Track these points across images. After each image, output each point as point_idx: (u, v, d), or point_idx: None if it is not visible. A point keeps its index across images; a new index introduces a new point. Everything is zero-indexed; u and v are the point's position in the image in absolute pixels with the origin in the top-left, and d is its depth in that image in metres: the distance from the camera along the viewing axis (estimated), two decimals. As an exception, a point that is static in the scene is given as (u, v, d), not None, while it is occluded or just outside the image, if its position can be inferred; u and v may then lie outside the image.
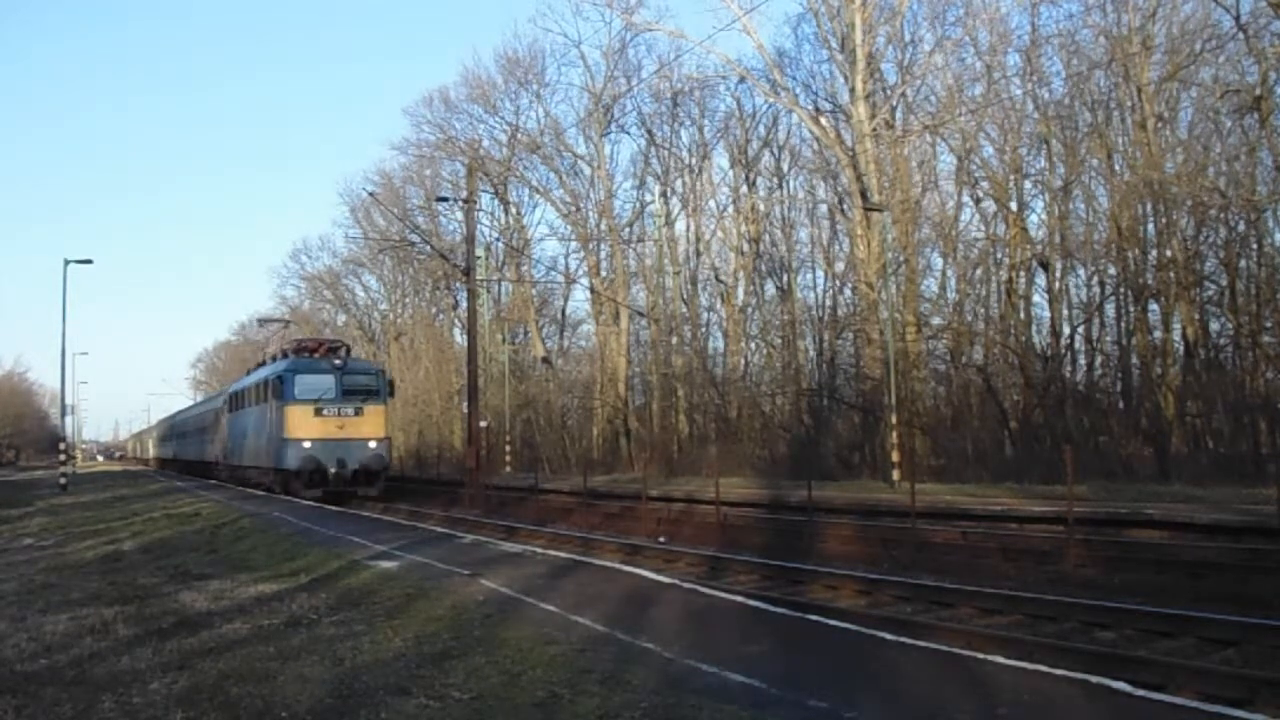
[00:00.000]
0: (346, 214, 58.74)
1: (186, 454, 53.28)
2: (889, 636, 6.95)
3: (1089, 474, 20.93)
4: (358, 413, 26.12)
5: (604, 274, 44.15)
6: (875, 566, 13.55)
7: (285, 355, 29.15)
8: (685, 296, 41.83)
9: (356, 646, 6.90)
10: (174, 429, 63.43)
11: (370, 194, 47.44)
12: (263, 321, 58.11)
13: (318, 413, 25.67)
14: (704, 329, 41.58)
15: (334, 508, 22.48)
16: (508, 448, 42.21)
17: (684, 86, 39.86)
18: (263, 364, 34.59)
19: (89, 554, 13.93)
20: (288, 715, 5.37)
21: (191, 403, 78.62)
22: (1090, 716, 5.11)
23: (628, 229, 43.45)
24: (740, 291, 40.38)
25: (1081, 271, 30.75)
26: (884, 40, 33.15)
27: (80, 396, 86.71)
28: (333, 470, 25.30)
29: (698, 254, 41.81)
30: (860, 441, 32.74)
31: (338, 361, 26.86)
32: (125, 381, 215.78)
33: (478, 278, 31.86)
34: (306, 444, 25.38)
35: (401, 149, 49.90)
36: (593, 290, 44.76)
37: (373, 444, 26.16)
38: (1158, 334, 27.80)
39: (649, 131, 42.49)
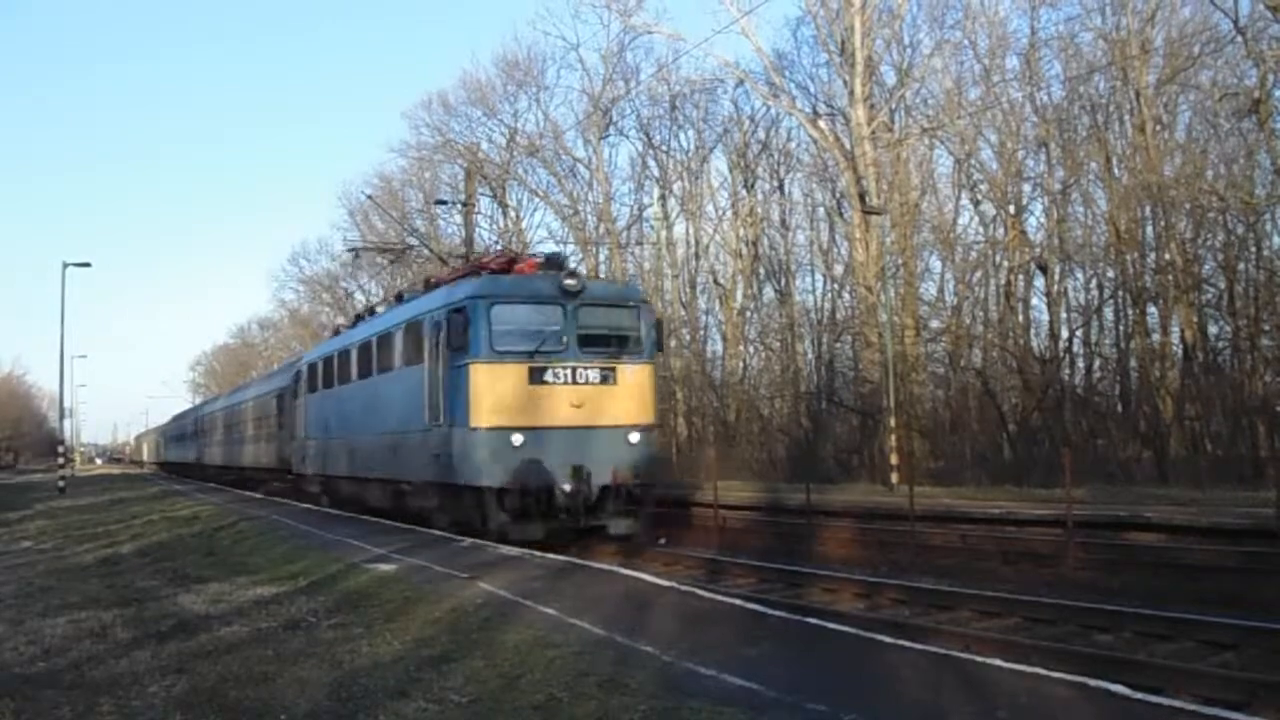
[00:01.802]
0: (345, 217, 58.69)
1: (210, 456, 42.86)
2: (888, 639, 6.95)
3: (1087, 477, 20.92)
4: (607, 378, 14.29)
5: (602, 277, 44.12)
6: (874, 569, 13.56)
7: (433, 285, 17.21)
8: (684, 299, 41.83)
9: (355, 649, 6.90)
10: (193, 427, 50.46)
11: (369, 197, 47.43)
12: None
13: (535, 377, 13.86)
14: (702, 332, 41.57)
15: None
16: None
17: (682, 89, 39.88)
18: (368, 313, 22.76)
19: (88, 557, 13.92)
20: (286, 718, 5.37)
21: (191, 404, 77.89)
22: (1089, 719, 5.11)
23: (626, 232, 43.44)
24: (739, 294, 40.38)
25: (1080, 274, 30.81)
26: (883, 43, 33.21)
27: (79, 399, 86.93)
28: (566, 487, 13.69)
29: (696, 257, 41.82)
30: (859, 444, 32.75)
31: (570, 282, 14.42)
32: (124, 385, 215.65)
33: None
34: (516, 438, 13.59)
35: (400, 152, 49.87)
36: (592, 293, 44.48)
37: (635, 437, 14.35)
38: (1156, 337, 27.83)
39: (647, 134, 42.51)
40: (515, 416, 13.68)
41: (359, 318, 22.53)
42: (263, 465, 30.19)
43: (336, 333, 23.95)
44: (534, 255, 17.39)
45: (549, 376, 13.87)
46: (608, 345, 14.50)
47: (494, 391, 13.77)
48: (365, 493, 19.00)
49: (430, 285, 17.43)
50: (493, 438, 13.59)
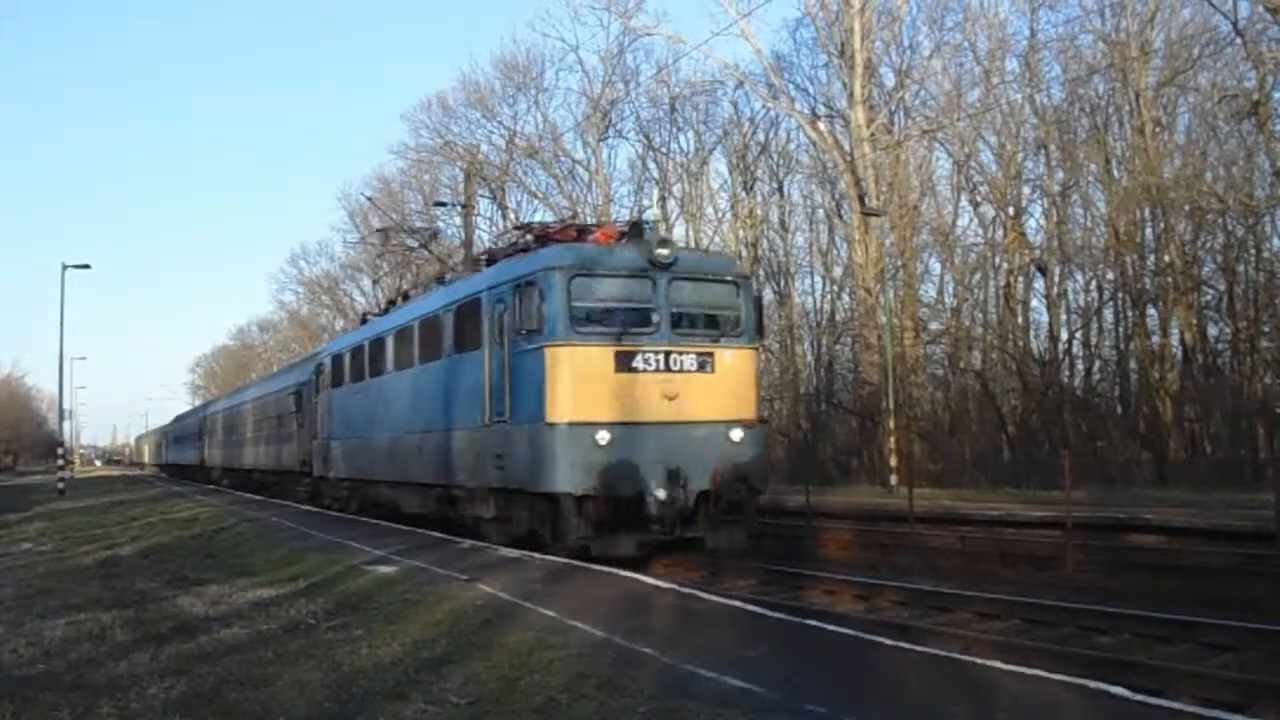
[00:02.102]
0: (345, 219, 58.74)
1: (217, 458, 41.42)
2: (887, 641, 6.96)
3: (1087, 479, 20.94)
4: (704, 365, 12.31)
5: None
6: (874, 571, 13.54)
7: (487, 261, 15.14)
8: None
9: (354, 651, 6.89)
10: (199, 427, 48.07)
11: (369, 199, 47.46)
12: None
13: (624, 364, 11.90)
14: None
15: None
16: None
17: (682, 91, 39.90)
18: (402, 299, 20.67)
19: (87, 559, 13.91)
20: (286, 720, 5.37)
21: (190, 406, 77.79)
22: (1088, 721, 5.11)
23: (626, 234, 43.33)
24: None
25: (1080, 276, 30.87)
26: (882, 45, 33.26)
27: (78, 401, 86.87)
28: (660, 494, 11.62)
29: (696, 259, 41.71)
30: (858, 446, 32.78)
31: (663, 252, 12.32)
32: (123, 386, 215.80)
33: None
34: (602, 435, 11.56)
35: (400, 154, 49.90)
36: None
37: (737, 434, 12.34)
38: (1156, 339, 27.87)
39: (647, 136, 42.52)
40: (600, 409, 11.63)
41: (391, 304, 20.44)
42: (279, 468, 27.97)
43: (364, 320, 21.80)
44: (609, 224, 15.30)
45: (638, 362, 11.87)
46: (704, 326, 12.58)
47: (575, 379, 11.71)
48: (402, 498, 16.99)
49: (485, 260, 15.35)
50: (574, 435, 11.51)
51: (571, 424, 11.57)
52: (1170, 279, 26.77)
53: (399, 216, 48.66)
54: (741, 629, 7.44)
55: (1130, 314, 28.56)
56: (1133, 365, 28.68)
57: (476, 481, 13.56)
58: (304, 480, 24.41)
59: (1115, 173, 29.06)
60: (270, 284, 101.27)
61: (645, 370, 11.91)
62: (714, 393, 12.30)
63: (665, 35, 36.28)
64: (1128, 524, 14.85)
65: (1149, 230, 28.55)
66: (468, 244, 27.91)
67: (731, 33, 33.64)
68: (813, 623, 7.79)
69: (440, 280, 17.73)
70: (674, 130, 41.99)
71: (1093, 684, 5.60)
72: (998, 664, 6.22)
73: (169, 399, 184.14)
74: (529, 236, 14.12)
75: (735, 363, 12.59)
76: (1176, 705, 5.46)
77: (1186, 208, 26.19)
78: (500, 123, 45.17)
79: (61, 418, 42.86)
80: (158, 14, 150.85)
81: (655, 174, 43.33)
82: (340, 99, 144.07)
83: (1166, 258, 27.24)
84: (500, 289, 12.89)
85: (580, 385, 11.73)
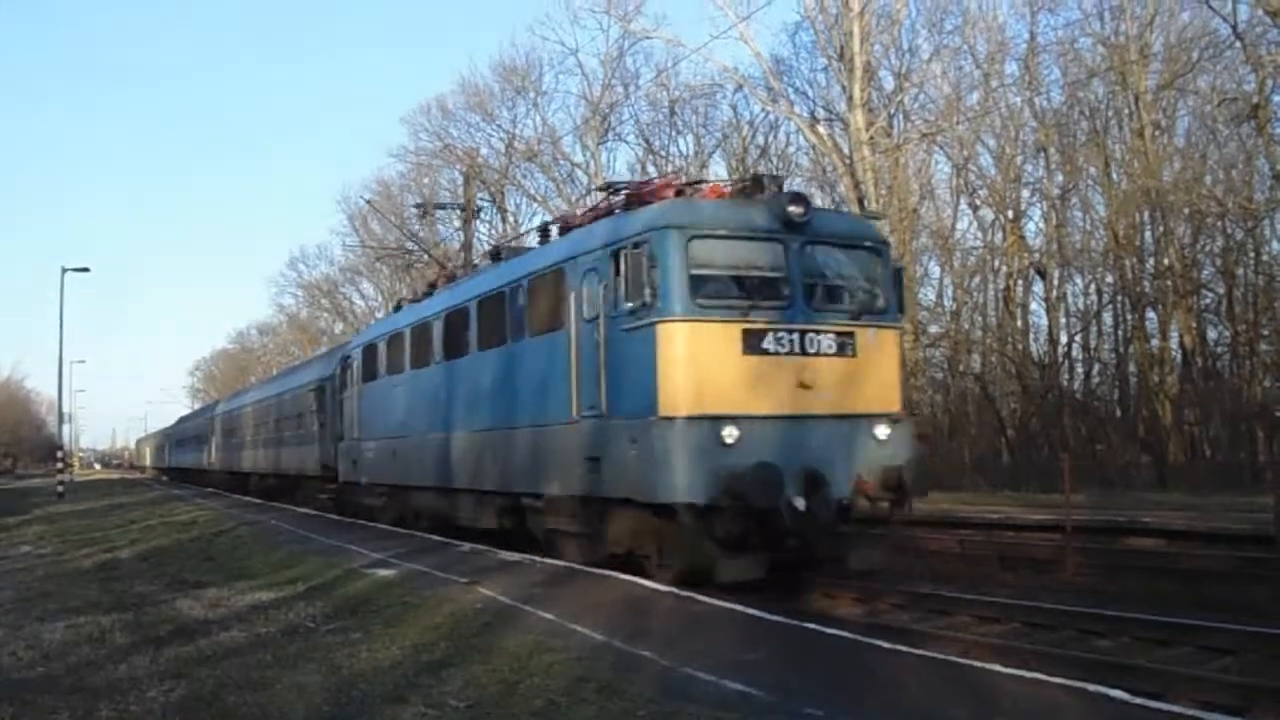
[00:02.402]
0: (344, 222, 58.75)
1: (225, 462, 39.22)
2: (886, 644, 6.95)
3: (1086, 482, 20.94)
4: (844, 348, 10.40)
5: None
6: (872, 575, 13.52)
7: (563, 230, 13.04)
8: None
9: (353, 655, 6.90)
10: (205, 429, 45.75)
11: (368, 202, 47.50)
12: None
13: (752, 345, 9.92)
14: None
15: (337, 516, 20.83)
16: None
17: (681, 95, 39.94)
18: (445, 280, 18.16)
19: (86, 562, 13.91)
20: (285, 723, 5.37)
21: (190, 409, 77.50)
22: (1088, 725, 5.12)
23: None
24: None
25: (1079, 279, 30.91)
26: (881, 48, 33.25)
27: (77, 404, 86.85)
28: (798, 504, 9.56)
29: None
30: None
31: (796, 209, 10.24)
32: (123, 390, 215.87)
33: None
34: (729, 432, 9.60)
35: (399, 157, 49.91)
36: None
37: (883, 431, 10.51)
38: (1155, 342, 27.90)
39: (646, 140, 42.56)
40: (726, 400, 9.65)
41: (432, 287, 18.12)
42: (297, 471, 25.83)
43: (398, 308, 19.83)
44: (714, 180, 13.04)
45: (768, 343, 9.86)
46: (844, 301, 10.62)
47: (696, 363, 9.69)
48: (454, 508, 14.84)
49: (559, 229, 13.19)
50: (695, 432, 9.50)
51: (691, 418, 9.54)
52: (1170, 282, 26.80)
53: (398, 219, 48.77)
54: (740, 632, 7.44)
55: (1130, 317, 28.58)
56: (1132, 368, 28.70)
57: (561, 489, 11.42)
58: (326, 486, 22.30)
59: (1115, 176, 29.10)
60: (269, 287, 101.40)
61: (779, 353, 9.90)
62: (856, 381, 10.35)
63: (665, 39, 36.28)
64: (1127, 527, 14.84)
65: (1148, 233, 28.60)
66: (467, 247, 27.89)
67: (731, 36, 33.76)
68: (811, 626, 7.78)
69: (495, 257, 15.61)
70: (673, 133, 42.09)
71: (1092, 687, 5.61)
72: (997, 667, 6.22)
73: (168, 402, 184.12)
74: (616, 197, 11.91)
75: (878, 345, 10.63)
76: (1176, 708, 5.45)
77: (1186, 211, 26.23)
78: (500, 126, 45.26)
79: (61, 421, 42.93)
80: (159, 15, 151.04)
81: (655, 177, 43.30)
82: (340, 102, 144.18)
83: (1166, 261, 27.27)
84: (591, 256, 10.82)
85: (702, 370, 9.69)
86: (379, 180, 54.27)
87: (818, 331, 10.10)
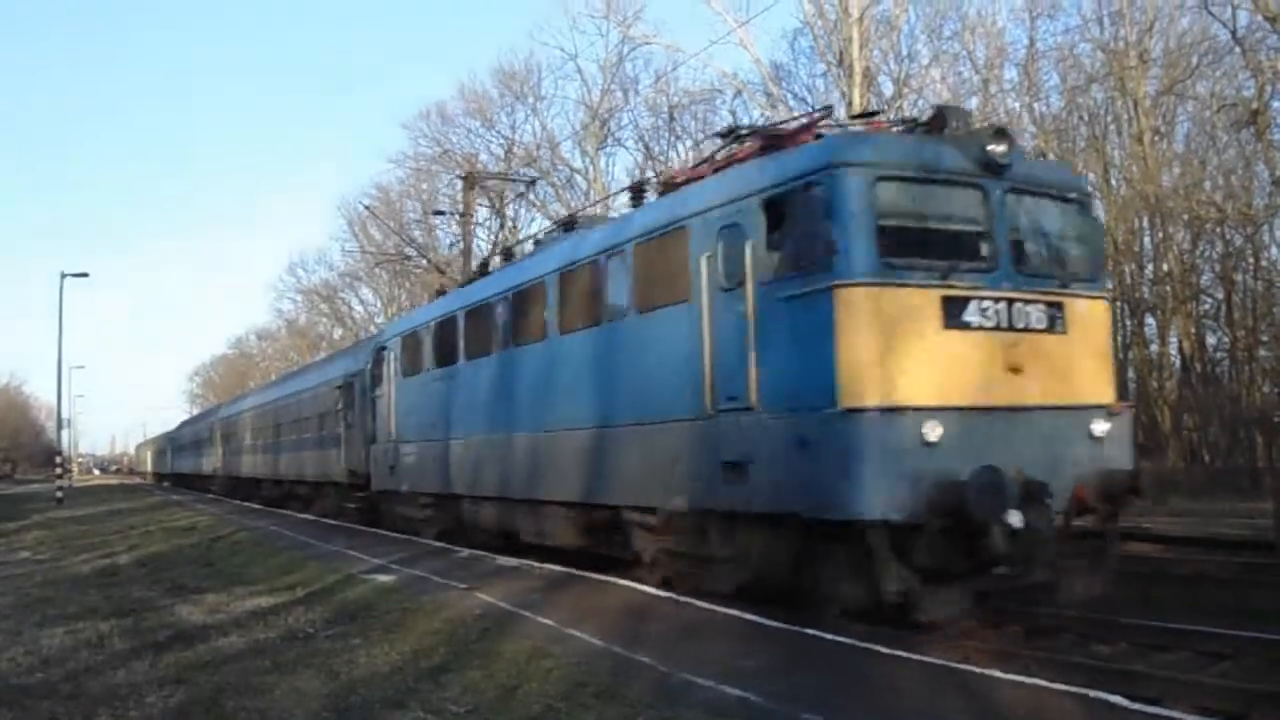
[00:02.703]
0: (343, 227, 58.81)
1: (234, 466, 36.73)
2: (885, 650, 6.95)
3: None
4: (1054, 322, 8.26)
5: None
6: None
7: (667, 184, 11.21)
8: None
9: (352, 660, 6.90)
10: (211, 432, 42.95)
11: (367, 208, 47.52)
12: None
13: (953, 317, 7.73)
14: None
15: (332, 521, 20.91)
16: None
17: (681, 100, 39.95)
18: (504, 256, 16.90)
19: (85, 567, 13.91)
20: (283, 729, 5.37)
21: (189, 415, 77.28)
22: (1086, 730, 5.11)
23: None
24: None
25: (1078, 285, 30.81)
26: (880, 54, 33.31)
27: (77, 410, 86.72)
28: (1012, 519, 7.28)
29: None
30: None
31: (998, 148, 8.07)
32: (122, 395, 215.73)
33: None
34: (931, 429, 7.36)
35: (399, 162, 49.96)
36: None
37: (1100, 427, 8.50)
38: (1154, 347, 27.90)
39: (645, 145, 42.57)
40: (926, 388, 7.62)
41: (485, 266, 16.02)
42: (317, 477, 23.61)
43: (441, 293, 17.56)
44: (877, 117, 11.20)
45: (972, 315, 7.84)
46: (1052, 263, 8.61)
47: (889, 339, 7.59)
48: (526, 522, 12.58)
49: (663, 188, 11.15)
50: (890, 428, 7.43)
51: (885, 410, 7.43)
52: (1169, 288, 26.82)
53: (397, 225, 48.79)
54: (739, 638, 7.44)
55: (1128, 322, 28.57)
56: (1131, 374, 28.67)
57: (688, 503, 9.13)
58: (354, 494, 20.21)
59: (1114, 181, 29.10)
60: (269, 293, 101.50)
61: (983, 327, 7.87)
62: (1067, 363, 8.36)
63: (664, 44, 36.47)
64: (1126, 532, 14.80)
65: (1147, 239, 28.61)
66: (466, 251, 27.87)
67: (730, 42, 33.82)
68: (810, 631, 7.78)
69: (568, 227, 13.75)
70: (673, 139, 42.11)
71: (1092, 693, 5.61)
72: (996, 673, 6.22)
73: (168, 408, 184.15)
74: (750, 142, 9.83)
75: (1090, 319, 8.66)
76: (1175, 714, 5.46)
77: (1185, 216, 26.24)
78: (499, 132, 45.32)
79: (60, 426, 42.81)
80: (158, 21, 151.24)
81: (654, 182, 43.31)
82: (339, 108, 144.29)
83: (1165, 266, 27.29)
84: (731, 209, 8.70)
85: (895, 350, 7.60)
86: (378, 186, 54.34)
87: (1026, 301, 8.10)
